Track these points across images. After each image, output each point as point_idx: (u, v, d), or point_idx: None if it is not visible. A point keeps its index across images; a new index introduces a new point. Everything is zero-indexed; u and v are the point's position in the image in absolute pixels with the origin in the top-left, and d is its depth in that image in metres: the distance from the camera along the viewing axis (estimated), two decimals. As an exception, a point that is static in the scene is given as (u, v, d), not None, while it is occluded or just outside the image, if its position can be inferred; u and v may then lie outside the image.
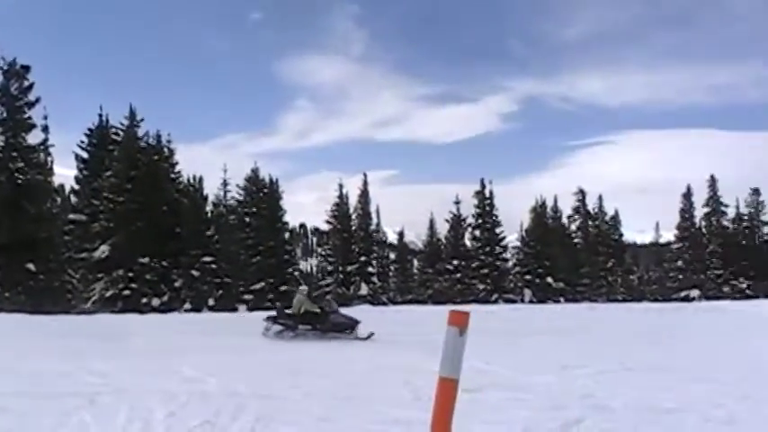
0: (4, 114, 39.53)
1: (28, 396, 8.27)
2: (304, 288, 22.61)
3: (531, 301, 56.44)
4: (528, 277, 61.42)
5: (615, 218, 71.39)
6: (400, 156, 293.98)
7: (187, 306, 41.86)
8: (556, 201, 66.70)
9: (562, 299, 57.73)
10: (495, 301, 54.11)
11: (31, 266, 37.41)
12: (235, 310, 43.84)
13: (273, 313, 20.36)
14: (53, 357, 12.88)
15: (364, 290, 55.97)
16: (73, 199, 50.69)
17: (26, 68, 40.17)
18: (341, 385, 9.37)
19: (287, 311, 20.05)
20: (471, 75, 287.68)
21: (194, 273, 43.86)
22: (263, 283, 52.07)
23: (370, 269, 58.82)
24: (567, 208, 67.64)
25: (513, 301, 54.68)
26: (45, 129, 41.85)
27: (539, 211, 64.72)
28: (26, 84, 39.99)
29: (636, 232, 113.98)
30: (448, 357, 3.78)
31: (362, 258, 58.36)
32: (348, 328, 18.54)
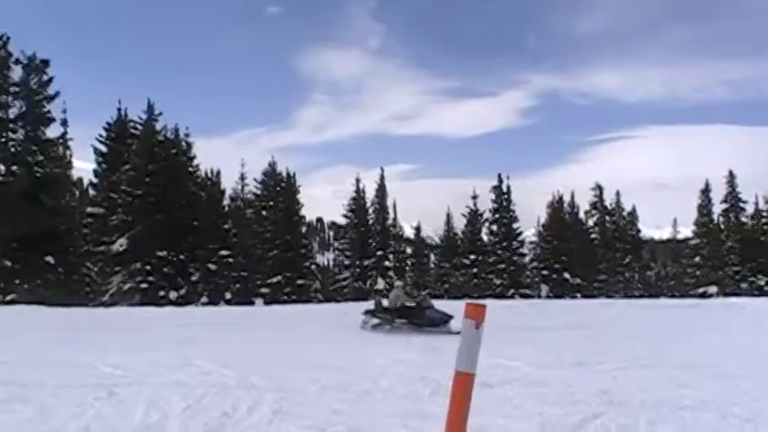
0: (24, 108, 39.80)
1: (47, 387, 8.30)
2: (400, 283, 22.68)
3: (547, 297, 56.30)
4: (545, 273, 61.37)
5: (632, 213, 71.26)
6: (417, 150, 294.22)
7: (204, 299, 42.01)
8: (573, 196, 66.71)
9: (579, 294, 57.49)
10: (512, 297, 54.01)
11: (49, 259, 37.69)
12: (251, 303, 44.01)
13: (371, 307, 20.32)
14: (71, 349, 12.95)
15: (381, 284, 56.06)
16: (91, 192, 51.00)
17: (45, 63, 40.43)
18: (358, 379, 9.30)
19: (384, 305, 20.03)
20: (488, 69, 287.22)
21: (211, 266, 44.05)
22: (279, 277, 52.32)
23: (387, 263, 58.94)
24: (584, 203, 67.50)
25: (530, 297, 54.49)
26: (64, 122, 42.26)
27: (556, 206, 64.68)
28: (45, 78, 40.27)
29: (653, 228, 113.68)
30: (464, 351, 3.75)
31: (379, 253, 58.49)
32: (443, 322, 18.37)
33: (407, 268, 70.06)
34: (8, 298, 34.93)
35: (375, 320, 19.41)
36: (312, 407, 7.44)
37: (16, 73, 39.88)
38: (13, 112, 39.59)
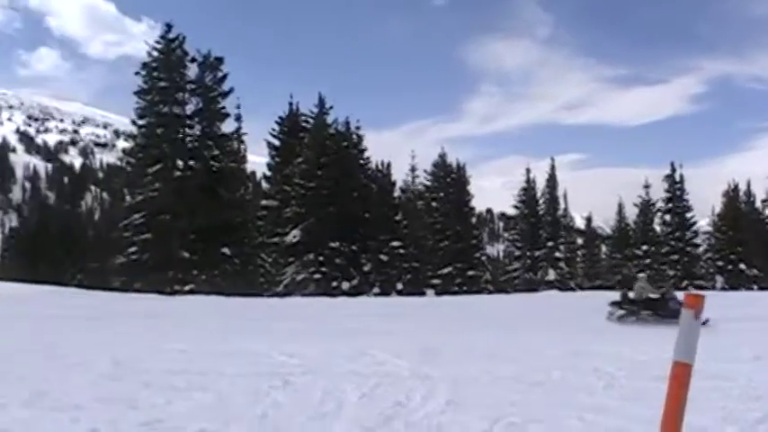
0: (200, 105, 41.30)
1: (225, 375, 8.38)
2: (643, 275, 22.67)
3: (722, 288, 53.63)
4: (720, 263, 58.54)
5: (813, 202, 66.61)
6: (587, 139, 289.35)
7: (376, 290, 42.28)
8: (749, 185, 62.80)
9: (755, 286, 54.54)
10: (686, 288, 51.76)
11: (226, 251, 38.89)
12: (422, 294, 43.98)
13: (617, 298, 20.23)
14: (247, 338, 13.07)
15: (551, 275, 55.27)
16: (264, 185, 52.42)
17: (219, 60, 41.78)
18: (530, 371, 8.88)
19: (630, 297, 19.91)
20: (658, 56, 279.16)
21: (383, 257, 44.26)
22: (450, 268, 52.30)
23: (558, 254, 57.96)
24: (761, 192, 63.68)
25: (704, 288, 52.11)
26: (238, 118, 43.45)
27: (731, 195, 61.54)
28: (220, 75, 41.69)
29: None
30: (683, 341, 3.32)
31: (550, 243, 57.63)
32: None
33: (578, 259, 68.78)
34: (187, 288, 36.22)
35: (621, 312, 19.23)
36: (485, 397, 7.19)
37: (192, 71, 41.54)
38: (189, 109, 41.18)
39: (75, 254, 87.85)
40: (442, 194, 56.15)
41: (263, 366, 9.17)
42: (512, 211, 64.65)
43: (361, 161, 47.67)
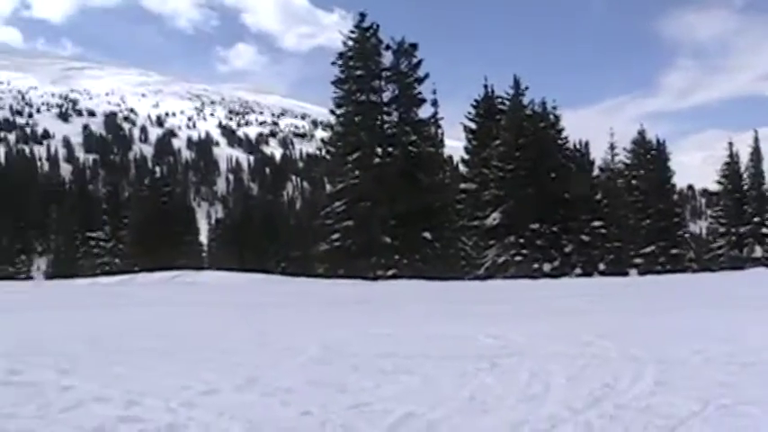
0: (396, 92, 41.79)
1: (430, 358, 8.47)
2: None
3: None
4: None
5: None
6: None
7: (578, 271, 41.57)
8: None
9: None
10: None
11: (427, 235, 39.25)
12: (625, 274, 42.98)
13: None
14: (450, 321, 13.11)
15: (758, 252, 52.72)
16: (462, 168, 52.53)
17: (414, 46, 42.10)
18: (742, 351, 8.49)
19: None
20: None
21: (584, 237, 43.42)
22: (653, 247, 51.10)
23: (765, 230, 55.00)
24: None
25: None
26: (434, 103, 43.57)
27: None
28: (414, 61, 41.96)
29: None
30: None
31: (756, 219, 54.89)
32: None
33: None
34: (389, 273, 36.84)
35: None
36: (695, 378, 7.08)
37: (387, 58, 42.03)
38: (386, 96, 41.75)
39: (279, 242, 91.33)
40: (642, 172, 54.81)
41: (468, 349, 9.23)
42: (714, 187, 62.68)
43: (559, 141, 46.87)
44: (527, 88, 46.50)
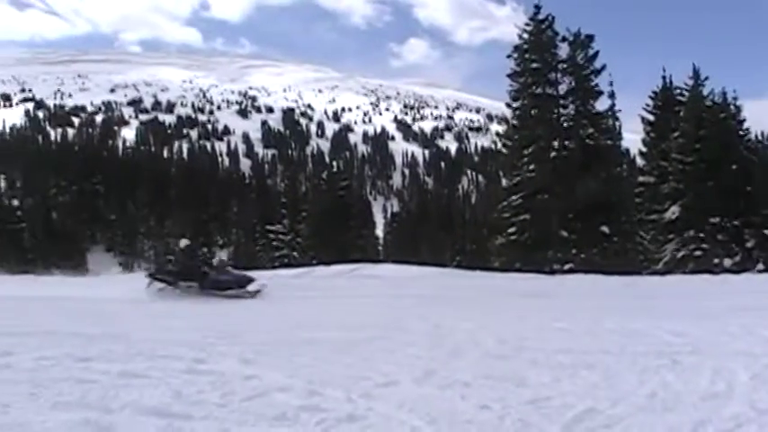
0: (573, 84, 41.62)
1: (610, 354, 8.57)
2: None
3: None
4: None
5: None
6: None
7: (760, 266, 40.12)
8: None
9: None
10: None
11: (604, 229, 38.91)
12: (812, 269, 41.14)
13: None
14: (629, 316, 13.07)
15: None
16: (639, 161, 51.55)
17: (590, 38, 41.81)
18: None
19: None
20: None
21: (767, 232, 41.87)
22: None
23: None
24: None
25: None
26: (611, 95, 43.05)
27: None
28: (591, 53, 41.68)
29: None
30: None
31: None
32: None
33: None
34: (566, 267, 36.80)
35: None
36: None
37: (563, 50, 41.98)
38: (562, 89, 41.76)
39: (454, 236, 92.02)
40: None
41: (647, 345, 9.23)
42: None
43: (740, 132, 45.22)
44: (707, 78, 45.23)
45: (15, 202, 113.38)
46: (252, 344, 9.41)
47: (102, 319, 13.67)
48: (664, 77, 48.01)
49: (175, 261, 20.99)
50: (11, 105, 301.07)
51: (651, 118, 47.36)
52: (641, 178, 46.28)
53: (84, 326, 11.73)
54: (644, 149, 48.77)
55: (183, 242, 21.83)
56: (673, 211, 40.89)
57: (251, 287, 19.63)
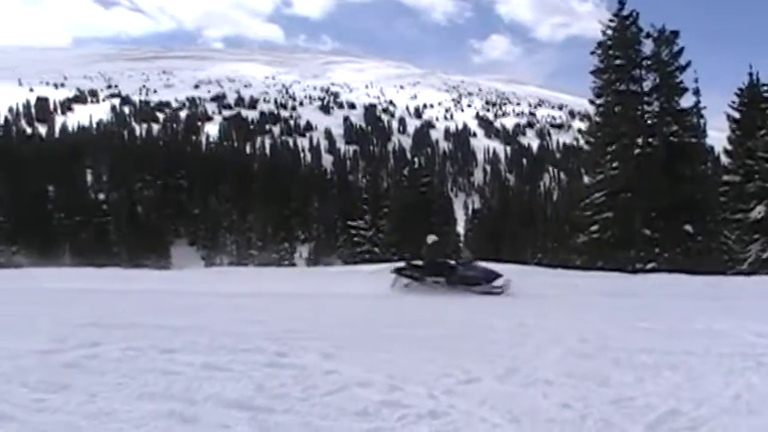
0: (657, 80, 41.15)
1: (694, 355, 8.52)
2: None
3: None
4: None
5: None
6: None
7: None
8: None
9: None
10: None
11: (688, 228, 38.41)
12: None
13: None
14: (713, 317, 12.80)
15: None
16: (724, 160, 50.68)
17: (675, 34, 41.24)
18: None
19: None
20: None
21: None
22: None
23: None
24: None
25: None
26: (696, 92, 42.48)
27: None
28: (676, 49, 41.08)
29: None
30: None
31: None
32: None
33: None
34: (649, 266, 36.50)
35: None
36: None
37: (647, 47, 41.53)
38: (647, 85, 41.30)
39: (535, 233, 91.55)
40: None
41: (731, 346, 9.12)
42: None
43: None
44: (795, 75, 44.29)
45: (101, 196, 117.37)
46: (333, 338, 9.50)
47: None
48: (750, 74, 47.02)
49: (426, 256, 20.98)
50: (97, 101, 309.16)
51: (737, 115, 46.41)
52: (726, 177, 45.42)
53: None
54: (729, 147, 47.83)
55: (431, 238, 21.66)
56: (758, 211, 40.17)
57: (497, 282, 19.53)
